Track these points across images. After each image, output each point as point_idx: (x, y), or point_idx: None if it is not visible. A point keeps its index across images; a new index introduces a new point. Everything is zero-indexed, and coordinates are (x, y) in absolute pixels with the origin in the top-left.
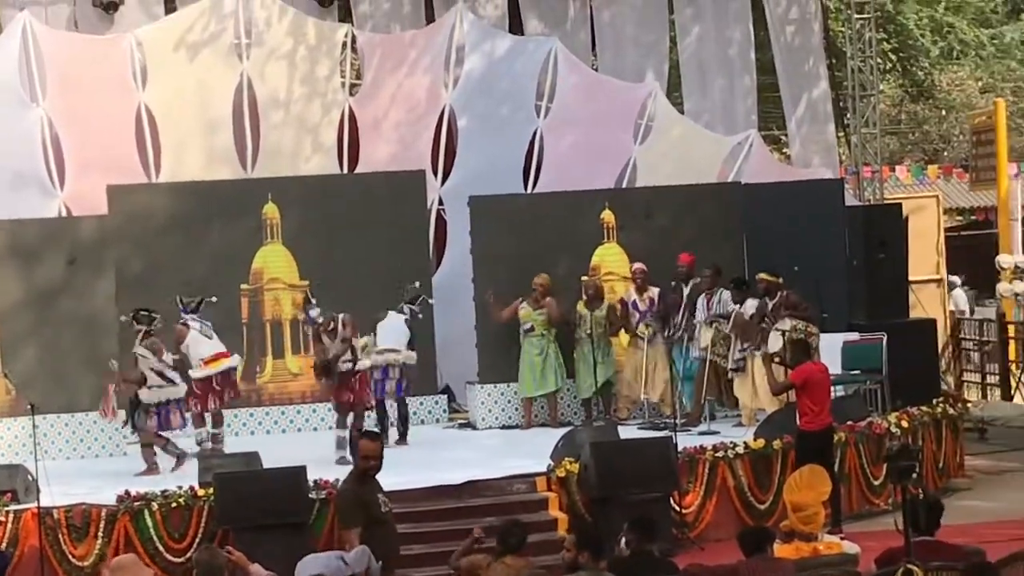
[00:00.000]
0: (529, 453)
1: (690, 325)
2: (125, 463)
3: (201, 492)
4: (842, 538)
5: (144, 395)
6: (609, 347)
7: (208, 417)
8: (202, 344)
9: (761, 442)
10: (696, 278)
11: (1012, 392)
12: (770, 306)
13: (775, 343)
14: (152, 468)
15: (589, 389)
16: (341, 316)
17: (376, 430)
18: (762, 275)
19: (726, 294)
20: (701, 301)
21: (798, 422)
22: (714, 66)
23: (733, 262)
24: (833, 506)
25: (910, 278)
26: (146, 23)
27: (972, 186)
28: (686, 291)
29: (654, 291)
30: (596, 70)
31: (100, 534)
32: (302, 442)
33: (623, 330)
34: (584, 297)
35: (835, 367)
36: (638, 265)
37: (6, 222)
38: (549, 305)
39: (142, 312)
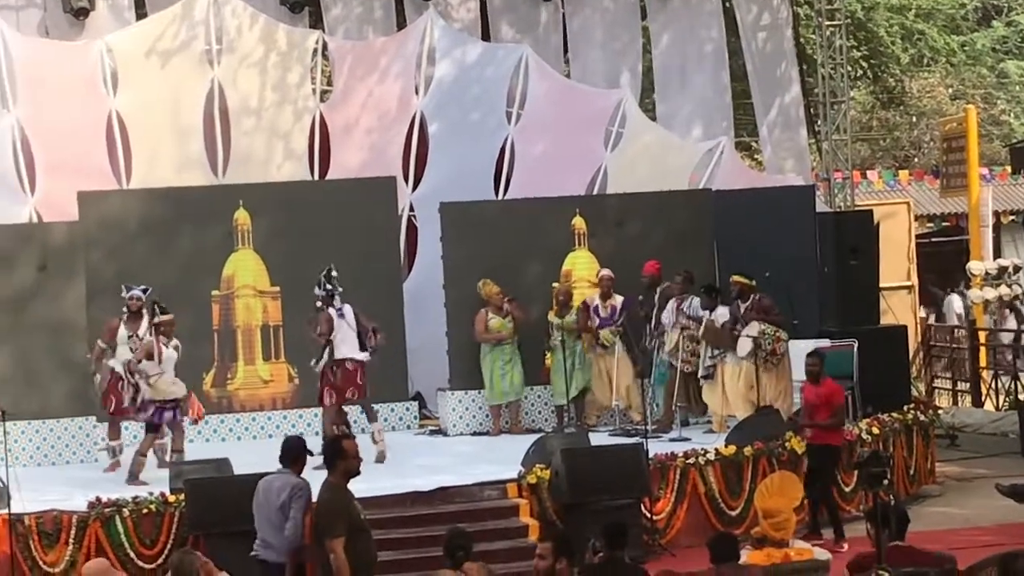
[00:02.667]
0: (500, 460)
1: (659, 331)
2: (96, 469)
3: (172, 498)
4: (819, 545)
5: None
6: (584, 354)
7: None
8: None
9: (732, 448)
10: (664, 283)
11: (983, 398)
12: (742, 309)
13: (744, 348)
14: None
15: (563, 395)
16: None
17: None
18: (736, 277)
19: (696, 300)
20: (671, 305)
21: (823, 439)
22: (686, 71)
23: (704, 269)
24: (812, 513)
25: (881, 284)
26: (117, 29)
27: (943, 192)
28: (655, 298)
29: (618, 299)
30: (568, 76)
31: (71, 540)
32: (273, 448)
33: (585, 332)
34: (555, 304)
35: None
36: (605, 272)
37: None
38: (514, 309)
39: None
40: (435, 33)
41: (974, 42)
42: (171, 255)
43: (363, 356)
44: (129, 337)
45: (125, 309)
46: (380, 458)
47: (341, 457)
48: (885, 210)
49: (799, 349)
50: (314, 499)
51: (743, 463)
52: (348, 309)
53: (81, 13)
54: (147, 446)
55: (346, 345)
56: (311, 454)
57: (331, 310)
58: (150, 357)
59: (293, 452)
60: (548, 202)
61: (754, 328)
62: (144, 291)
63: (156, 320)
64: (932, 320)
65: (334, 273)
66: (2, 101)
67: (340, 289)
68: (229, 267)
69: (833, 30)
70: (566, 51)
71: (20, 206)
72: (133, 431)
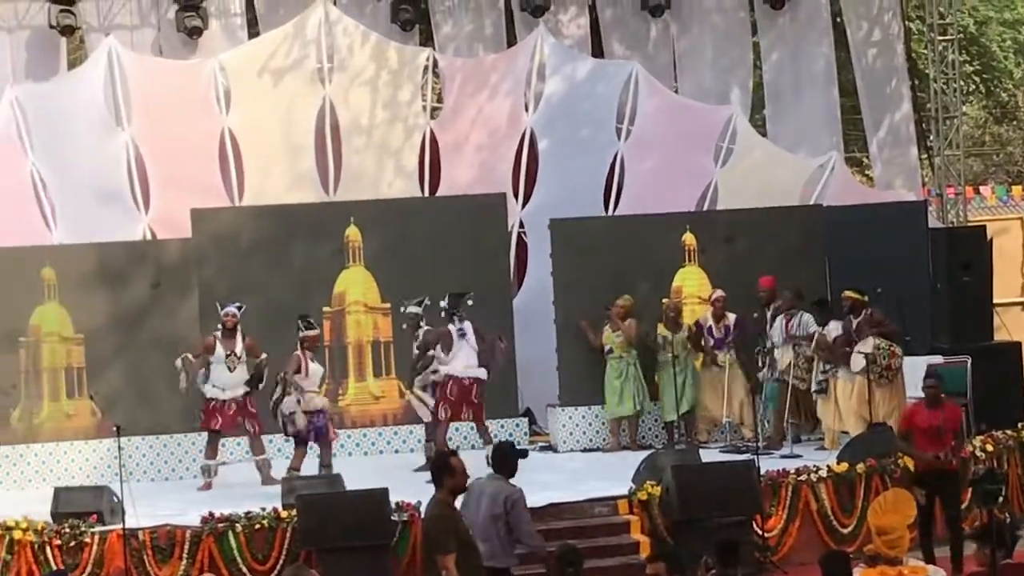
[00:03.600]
0: (610, 476)
1: (768, 349)
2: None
3: (284, 514)
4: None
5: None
6: (695, 370)
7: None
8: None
9: (844, 465)
10: (777, 301)
11: None
12: (855, 324)
13: (858, 364)
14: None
15: (673, 412)
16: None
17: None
18: (848, 293)
19: (806, 316)
20: (779, 322)
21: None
22: (796, 87)
23: (815, 285)
24: (927, 544)
25: (995, 300)
26: (229, 48)
27: None
28: (768, 315)
29: (731, 317)
30: (677, 91)
31: (185, 555)
32: (384, 464)
33: (700, 352)
34: (665, 320)
35: (919, 390)
36: (718, 293)
37: (92, 245)
38: (627, 327)
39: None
40: (545, 50)
41: None
42: (283, 272)
43: (480, 373)
44: (227, 356)
45: (220, 326)
46: None
47: (449, 474)
48: (998, 226)
49: (912, 365)
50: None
51: (855, 480)
52: (468, 326)
53: (194, 32)
54: (299, 461)
55: (463, 362)
56: (524, 455)
57: (451, 327)
58: (298, 371)
59: (504, 457)
60: (658, 218)
61: (868, 344)
62: (239, 308)
63: (302, 335)
64: None
65: (470, 302)
66: (116, 119)
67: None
68: (340, 284)
69: (945, 45)
70: (676, 67)
71: (134, 223)
72: (229, 447)
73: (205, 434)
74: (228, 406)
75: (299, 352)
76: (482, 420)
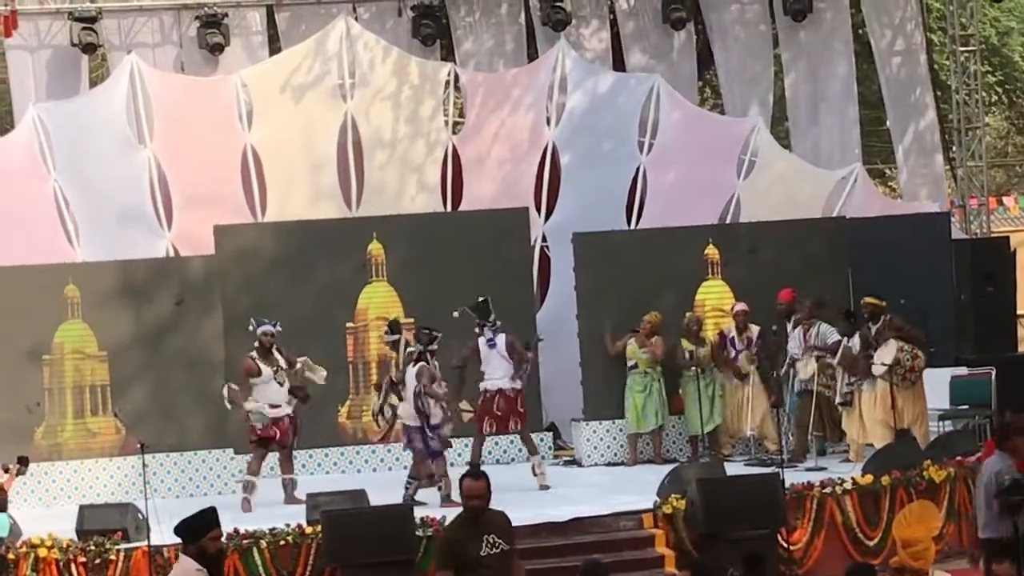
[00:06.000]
0: (635, 490)
1: (789, 361)
2: (234, 500)
3: (309, 529)
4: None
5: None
6: (723, 384)
7: None
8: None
9: (870, 478)
10: (797, 313)
11: None
12: (873, 331)
13: (879, 370)
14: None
15: (698, 426)
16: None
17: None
18: (867, 299)
19: (824, 327)
20: (798, 333)
21: None
22: (818, 100)
23: (839, 297)
24: None
25: (1019, 311)
26: (251, 65)
27: None
28: (789, 328)
29: (754, 330)
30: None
31: None
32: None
33: (723, 363)
34: (688, 333)
35: (943, 402)
36: (740, 307)
37: (115, 263)
38: (654, 344)
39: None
40: (567, 63)
41: None
42: (306, 287)
43: (504, 384)
44: (275, 372)
45: (256, 345)
46: (543, 489)
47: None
48: (1021, 236)
49: (936, 376)
50: None
51: (881, 492)
52: (502, 339)
53: (216, 49)
54: (442, 469)
55: (496, 375)
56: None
57: (481, 340)
58: (433, 380)
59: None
60: (681, 231)
61: (890, 349)
62: (275, 325)
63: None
64: None
65: (480, 300)
66: (139, 137)
67: (482, 322)
68: (363, 299)
69: (967, 56)
70: (698, 78)
71: (157, 240)
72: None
73: (229, 450)
74: (282, 420)
75: (426, 364)
76: (508, 431)
